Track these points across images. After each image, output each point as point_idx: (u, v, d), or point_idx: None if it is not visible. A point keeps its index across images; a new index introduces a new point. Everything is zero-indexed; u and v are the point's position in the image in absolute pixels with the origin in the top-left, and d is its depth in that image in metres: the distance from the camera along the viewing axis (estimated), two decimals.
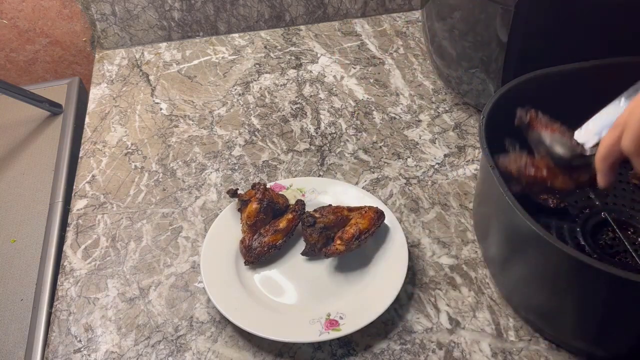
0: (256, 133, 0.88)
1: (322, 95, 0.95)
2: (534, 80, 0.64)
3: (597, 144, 0.54)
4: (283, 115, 0.92)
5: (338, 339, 0.61)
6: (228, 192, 0.71)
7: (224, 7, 1.08)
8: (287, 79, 0.99)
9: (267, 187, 0.71)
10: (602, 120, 0.53)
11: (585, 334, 0.56)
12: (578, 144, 0.55)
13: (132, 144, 0.88)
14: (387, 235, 0.68)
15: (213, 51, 1.06)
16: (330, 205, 0.69)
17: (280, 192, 0.73)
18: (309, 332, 0.59)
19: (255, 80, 0.99)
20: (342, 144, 0.86)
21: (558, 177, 0.57)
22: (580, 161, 0.55)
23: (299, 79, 0.99)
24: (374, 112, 0.91)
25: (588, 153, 0.55)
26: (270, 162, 0.83)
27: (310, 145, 0.86)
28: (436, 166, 0.81)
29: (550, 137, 0.57)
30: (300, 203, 0.71)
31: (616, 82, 0.67)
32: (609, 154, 0.44)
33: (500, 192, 0.52)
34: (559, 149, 0.56)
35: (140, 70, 1.03)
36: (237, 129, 0.89)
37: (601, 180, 0.47)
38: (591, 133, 0.54)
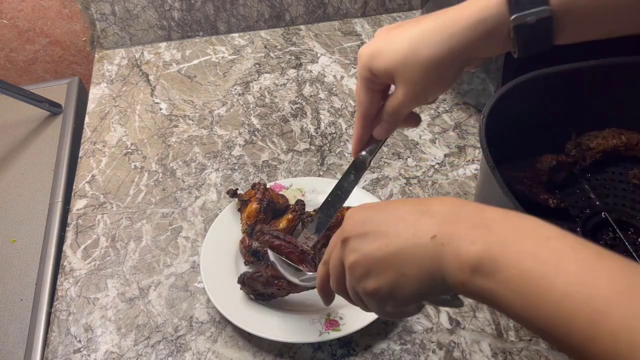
0: (256, 133, 0.88)
1: (322, 95, 0.95)
2: (534, 80, 0.64)
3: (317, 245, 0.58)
4: (283, 115, 0.91)
5: (338, 339, 0.61)
6: (228, 192, 0.71)
7: (224, 7, 1.08)
8: (287, 79, 0.99)
9: (267, 187, 0.71)
10: (317, 222, 0.53)
11: None
12: (299, 269, 0.58)
13: (131, 144, 0.88)
14: None
15: (213, 51, 1.06)
16: None
17: (280, 192, 0.73)
18: (309, 332, 0.59)
19: (255, 80, 0.99)
20: (342, 144, 0.86)
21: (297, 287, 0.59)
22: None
23: (299, 79, 0.99)
24: None
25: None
26: (270, 162, 0.83)
27: (310, 145, 0.86)
28: (436, 166, 0.81)
29: (274, 256, 0.59)
30: (300, 203, 0.71)
31: (616, 82, 0.67)
32: (324, 287, 0.45)
33: (500, 192, 0.52)
34: (284, 271, 0.58)
35: (140, 70, 1.03)
36: (237, 129, 0.89)
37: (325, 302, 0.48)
38: (309, 233, 0.54)
